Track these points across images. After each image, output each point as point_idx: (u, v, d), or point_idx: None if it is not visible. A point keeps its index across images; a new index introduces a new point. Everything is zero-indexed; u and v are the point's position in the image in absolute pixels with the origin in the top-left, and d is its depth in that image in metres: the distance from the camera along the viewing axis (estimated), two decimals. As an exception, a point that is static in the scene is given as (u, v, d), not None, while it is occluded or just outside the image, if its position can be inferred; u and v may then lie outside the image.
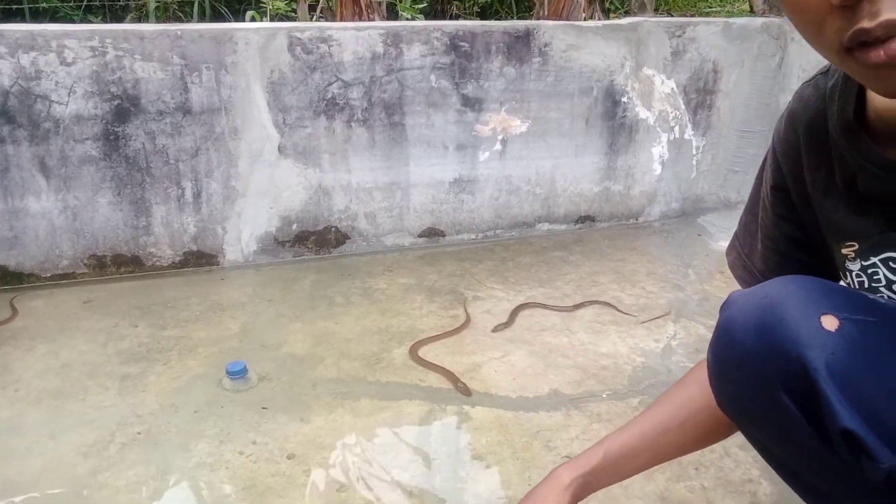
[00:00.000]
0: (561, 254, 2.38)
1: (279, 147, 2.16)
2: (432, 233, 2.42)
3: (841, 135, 0.76)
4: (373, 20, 2.69)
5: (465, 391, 1.57)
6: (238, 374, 1.58)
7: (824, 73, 0.82)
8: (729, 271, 2.28)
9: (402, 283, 2.14)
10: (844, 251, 0.80)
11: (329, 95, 2.14)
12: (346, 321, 1.90)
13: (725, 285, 2.14)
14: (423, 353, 1.74)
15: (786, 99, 2.56)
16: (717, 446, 1.37)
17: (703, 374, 0.98)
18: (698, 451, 1.17)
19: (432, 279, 2.17)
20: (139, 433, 1.42)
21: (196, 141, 2.08)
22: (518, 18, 5.22)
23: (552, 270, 2.24)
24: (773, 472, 1.30)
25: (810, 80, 0.85)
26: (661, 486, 1.27)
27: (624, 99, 2.44)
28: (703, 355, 1.70)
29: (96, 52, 1.91)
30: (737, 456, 1.36)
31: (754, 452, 1.34)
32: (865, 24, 0.54)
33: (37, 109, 1.91)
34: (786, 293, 0.80)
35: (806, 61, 2.45)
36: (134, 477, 1.30)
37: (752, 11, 4.51)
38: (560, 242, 2.48)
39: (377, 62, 2.15)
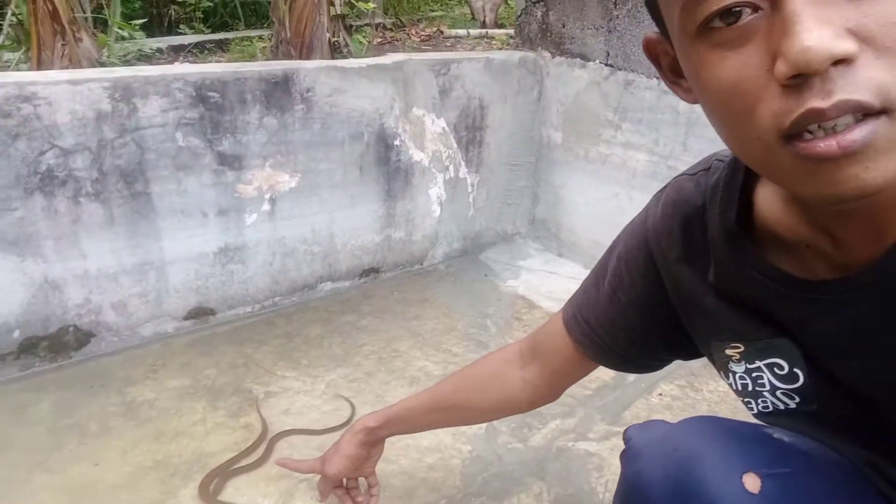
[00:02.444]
0: (351, 318, 2.16)
1: (-20, 240, 1.66)
2: (200, 312, 2.06)
3: (722, 241, 0.69)
4: (80, 64, 2.26)
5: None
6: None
7: (706, 169, 0.75)
8: (526, 317, 2.25)
9: (174, 388, 1.76)
10: (729, 352, 0.74)
11: (43, 168, 1.69)
12: (108, 459, 1.50)
13: (524, 334, 2.09)
14: (221, 491, 1.42)
15: (547, 132, 2.61)
16: None
17: (502, 372, 1.10)
18: None
19: (210, 376, 1.82)
20: None
21: None
22: (248, 28, 4.87)
23: (347, 342, 2.02)
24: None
25: (692, 174, 0.77)
26: None
27: (396, 142, 2.29)
28: (527, 430, 1.61)
29: None
30: None
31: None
32: (818, 103, 0.43)
33: None
34: (701, 446, 0.74)
35: (563, 95, 2.50)
36: None
37: (473, 18, 4.68)
38: (347, 302, 2.26)
39: (105, 122, 1.74)
